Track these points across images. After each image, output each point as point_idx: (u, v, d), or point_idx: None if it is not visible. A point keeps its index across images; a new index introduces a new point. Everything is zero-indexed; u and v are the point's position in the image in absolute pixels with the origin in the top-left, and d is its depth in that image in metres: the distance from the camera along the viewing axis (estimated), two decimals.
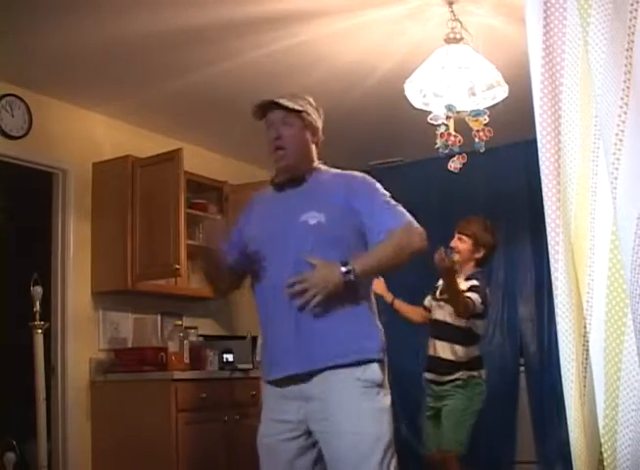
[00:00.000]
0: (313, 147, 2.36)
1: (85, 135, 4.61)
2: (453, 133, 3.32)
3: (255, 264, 2.29)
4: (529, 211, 5.23)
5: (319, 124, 2.37)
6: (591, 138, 1.34)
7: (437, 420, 3.92)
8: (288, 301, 2.15)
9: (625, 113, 1.23)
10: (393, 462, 2.15)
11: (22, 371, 3.98)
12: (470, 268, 3.96)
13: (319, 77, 4.19)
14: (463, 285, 3.91)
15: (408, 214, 2.27)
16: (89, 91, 4.33)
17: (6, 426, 4.12)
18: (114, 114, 4.69)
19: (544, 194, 1.36)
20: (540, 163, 1.37)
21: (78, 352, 4.36)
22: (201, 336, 4.92)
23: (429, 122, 3.37)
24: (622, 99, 1.23)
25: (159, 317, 4.90)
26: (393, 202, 2.29)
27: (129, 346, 4.65)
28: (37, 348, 3.74)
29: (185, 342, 4.45)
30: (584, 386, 1.33)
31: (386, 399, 2.20)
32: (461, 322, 3.87)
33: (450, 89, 3.28)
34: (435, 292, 4.05)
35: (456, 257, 3.86)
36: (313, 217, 2.19)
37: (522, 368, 5.30)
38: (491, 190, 5.44)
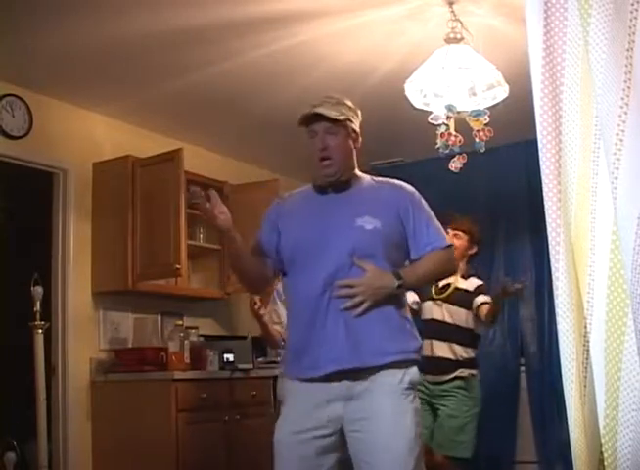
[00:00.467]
0: (355, 152, 2.42)
1: (85, 135, 4.61)
2: (453, 133, 3.32)
3: (298, 263, 2.32)
4: (529, 211, 5.22)
5: (359, 128, 2.43)
6: (592, 138, 1.34)
7: (433, 417, 3.88)
8: (337, 300, 2.22)
9: (626, 113, 1.23)
10: (423, 463, 2.24)
11: (23, 371, 3.98)
12: (464, 265, 3.95)
13: (319, 77, 4.19)
14: (464, 284, 3.90)
15: (446, 236, 2.43)
16: (89, 91, 4.33)
17: (6, 426, 4.12)
18: (114, 114, 4.69)
19: (544, 194, 1.36)
20: (541, 162, 1.37)
21: (79, 351, 4.36)
22: (201, 336, 4.92)
23: (429, 122, 3.37)
24: (623, 99, 1.23)
25: (159, 317, 4.90)
26: (436, 220, 2.41)
27: (129, 346, 4.65)
28: (37, 348, 3.74)
29: (185, 342, 4.44)
30: (585, 386, 1.33)
31: (417, 400, 2.29)
32: (464, 323, 3.86)
33: (450, 89, 3.28)
34: (431, 290, 3.97)
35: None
36: (369, 223, 2.26)
37: (522, 368, 5.30)
38: (491, 190, 5.43)
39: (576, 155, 1.36)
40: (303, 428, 2.22)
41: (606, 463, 1.30)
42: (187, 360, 4.39)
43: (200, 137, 5.11)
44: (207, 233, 5.10)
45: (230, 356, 4.63)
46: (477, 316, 3.90)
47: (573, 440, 1.31)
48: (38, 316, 3.77)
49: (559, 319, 1.33)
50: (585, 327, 1.34)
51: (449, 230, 3.91)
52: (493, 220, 5.45)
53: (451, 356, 3.84)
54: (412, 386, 2.26)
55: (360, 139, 2.43)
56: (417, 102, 3.39)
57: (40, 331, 3.76)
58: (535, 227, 5.11)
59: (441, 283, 3.84)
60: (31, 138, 4.23)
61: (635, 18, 1.27)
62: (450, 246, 2.42)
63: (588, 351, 1.33)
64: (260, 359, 4.78)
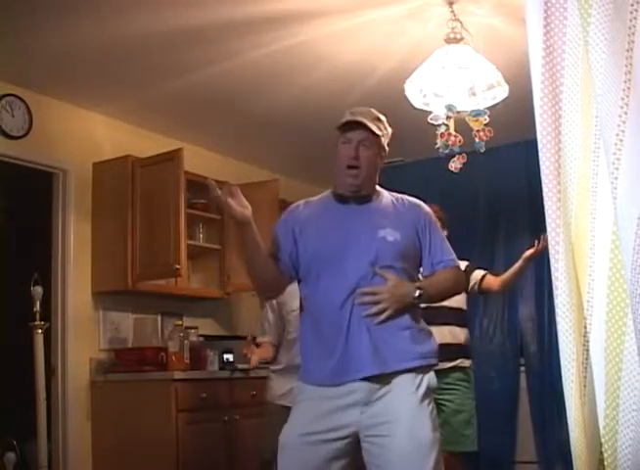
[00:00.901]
0: (378, 169, 2.47)
1: (85, 135, 4.61)
2: (453, 133, 3.32)
3: (318, 271, 2.33)
4: (529, 211, 5.22)
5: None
6: (592, 138, 1.34)
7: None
8: (360, 307, 2.25)
9: (626, 113, 1.23)
10: (442, 466, 2.25)
11: (23, 371, 3.98)
12: None
13: (319, 77, 4.19)
14: None
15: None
16: (89, 91, 4.33)
17: (6, 426, 4.13)
18: (114, 114, 4.69)
19: (544, 194, 1.36)
20: (541, 163, 1.37)
21: (78, 352, 4.36)
22: (201, 336, 4.92)
23: (429, 122, 3.37)
24: (623, 99, 1.23)
25: (159, 317, 4.90)
26: (447, 241, 2.50)
27: (129, 346, 4.65)
28: (37, 348, 3.74)
29: (185, 342, 4.44)
30: (585, 386, 1.33)
31: (433, 405, 2.32)
32: (455, 303, 3.85)
33: (450, 89, 3.28)
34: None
35: None
36: (390, 234, 2.31)
37: (522, 368, 5.29)
38: (491, 190, 5.43)
39: (576, 155, 1.36)
40: (312, 431, 2.22)
41: (606, 463, 1.30)
42: (187, 360, 4.39)
43: (200, 137, 5.11)
44: (207, 233, 5.11)
45: (230, 356, 4.63)
46: (482, 290, 4.00)
47: (573, 439, 1.31)
48: (38, 316, 3.77)
49: (559, 319, 1.33)
50: (585, 327, 1.34)
51: None
52: (493, 220, 5.45)
53: (452, 340, 3.83)
54: (429, 391, 2.29)
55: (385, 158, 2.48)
56: (417, 102, 3.39)
57: (40, 331, 3.76)
58: (535, 227, 5.09)
59: None
60: (31, 138, 4.23)
61: (635, 18, 1.27)
62: (459, 266, 2.50)
63: (588, 351, 1.33)
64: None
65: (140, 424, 4.14)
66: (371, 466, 2.24)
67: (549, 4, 1.37)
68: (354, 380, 2.22)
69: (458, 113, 3.28)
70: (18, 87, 4.15)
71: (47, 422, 3.80)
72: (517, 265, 4.01)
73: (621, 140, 1.22)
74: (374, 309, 2.24)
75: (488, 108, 3.31)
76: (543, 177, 1.36)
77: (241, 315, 5.45)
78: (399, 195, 2.51)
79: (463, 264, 3.93)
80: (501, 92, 3.29)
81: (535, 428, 5.10)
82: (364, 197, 2.40)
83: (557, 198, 1.35)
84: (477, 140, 3.32)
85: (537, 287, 5.25)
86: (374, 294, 2.25)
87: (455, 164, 3.43)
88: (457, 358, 3.84)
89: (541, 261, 5.08)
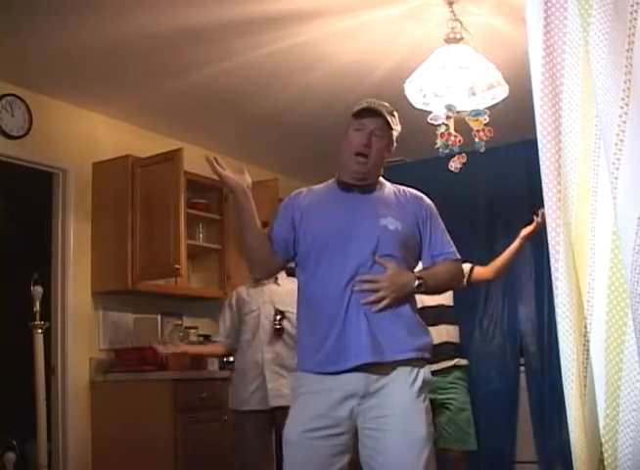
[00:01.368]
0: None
1: (85, 135, 4.61)
2: (453, 133, 3.32)
3: (317, 256, 2.34)
4: (529, 210, 5.21)
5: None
6: (592, 138, 1.34)
7: (439, 413, 3.88)
8: (359, 295, 2.25)
9: (626, 113, 1.23)
10: (434, 461, 2.27)
11: (23, 371, 3.98)
12: None
13: (319, 77, 4.19)
14: None
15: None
16: (89, 91, 4.33)
17: (6, 426, 4.13)
18: (114, 114, 4.69)
19: (544, 194, 1.36)
20: (541, 163, 1.37)
21: (78, 351, 4.36)
22: (201, 336, 4.91)
23: (429, 122, 3.37)
24: (623, 99, 1.23)
25: (159, 317, 4.90)
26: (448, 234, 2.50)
27: (129, 346, 4.65)
28: (37, 348, 3.74)
29: (185, 342, 4.44)
30: (585, 386, 1.33)
31: (428, 400, 2.32)
32: (449, 300, 3.85)
33: (450, 89, 3.28)
34: None
35: None
36: (392, 223, 2.33)
37: (522, 368, 5.29)
38: (491, 190, 5.43)
39: (576, 155, 1.36)
40: (316, 427, 2.22)
41: (606, 463, 1.30)
42: (187, 360, 4.39)
43: (200, 137, 5.11)
44: (207, 233, 5.11)
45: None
46: (471, 283, 3.89)
47: (573, 439, 1.31)
48: (38, 316, 3.77)
49: (559, 319, 1.33)
50: (585, 327, 1.34)
51: None
52: (493, 220, 5.44)
53: (447, 339, 3.82)
54: (425, 385, 2.30)
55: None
56: (417, 102, 3.39)
57: (40, 331, 3.76)
58: None
59: None
60: (31, 138, 4.23)
61: (635, 19, 1.27)
62: (459, 259, 2.49)
63: (588, 351, 1.33)
64: None
65: (140, 424, 4.14)
66: (365, 458, 2.24)
67: (549, 4, 1.37)
68: (351, 369, 2.22)
69: (458, 113, 3.28)
70: (18, 87, 4.15)
71: (47, 422, 3.80)
72: (513, 246, 3.90)
73: (622, 140, 1.23)
74: (372, 297, 2.24)
75: (488, 108, 3.31)
76: (543, 177, 1.36)
77: None
78: (402, 187, 2.52)
79: None
80: (501, 92, 3.29)
81: (535, 428, 5.10)
82: (368, 186, 2.41)
83: (557, 198, 1.35)
84: (476, 140, 3.32)
85: (537, 287, 5.25)
86: (373, 282, 2.25)
87: (455, 164, 3.43)
88: (455, 357, 3.84)
89: (541, 261, 5.11)
